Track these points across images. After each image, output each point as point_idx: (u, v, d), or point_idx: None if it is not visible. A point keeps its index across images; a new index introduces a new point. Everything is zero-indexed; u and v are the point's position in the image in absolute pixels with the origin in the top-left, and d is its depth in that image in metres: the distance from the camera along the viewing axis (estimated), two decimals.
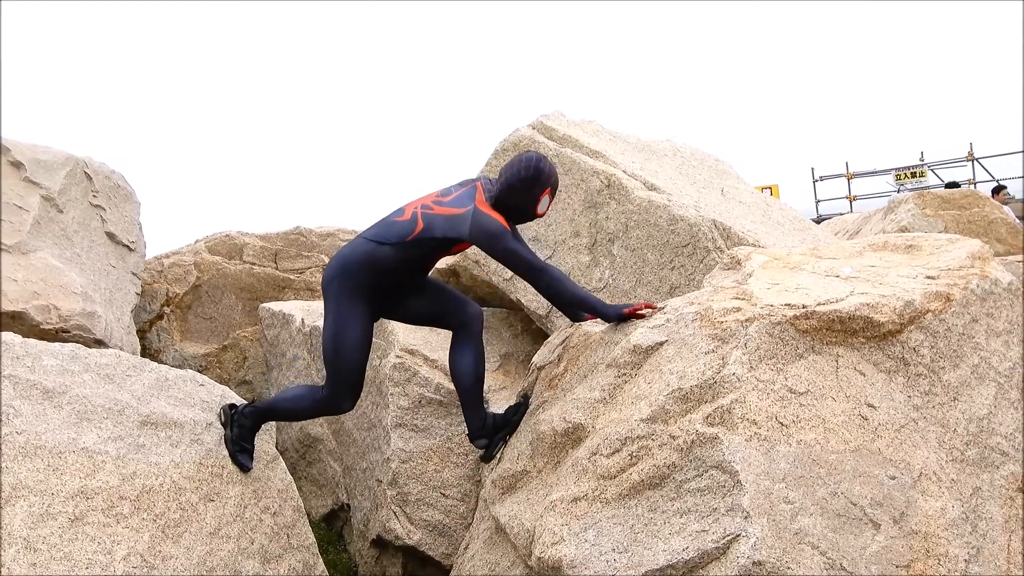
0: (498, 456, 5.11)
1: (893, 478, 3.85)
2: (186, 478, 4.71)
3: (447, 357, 6.65)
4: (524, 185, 4.87)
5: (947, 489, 3.96)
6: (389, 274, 4.92)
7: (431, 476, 6.67)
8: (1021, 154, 25.85)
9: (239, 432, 5.02)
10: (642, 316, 4.63)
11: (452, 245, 4.91)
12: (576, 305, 4.74)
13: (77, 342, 5.68)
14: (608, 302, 6.46)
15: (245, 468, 5.00)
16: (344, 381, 4.94)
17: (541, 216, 5.05)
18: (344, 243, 11.60)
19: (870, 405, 4.03)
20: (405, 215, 4.94)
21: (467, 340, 5.19)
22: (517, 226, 5.42)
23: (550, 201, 5.02)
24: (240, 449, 5.02)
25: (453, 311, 5.20)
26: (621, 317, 4.67)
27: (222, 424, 5.05)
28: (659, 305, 4.71)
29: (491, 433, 5.17)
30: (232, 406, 5.12)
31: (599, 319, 4.81)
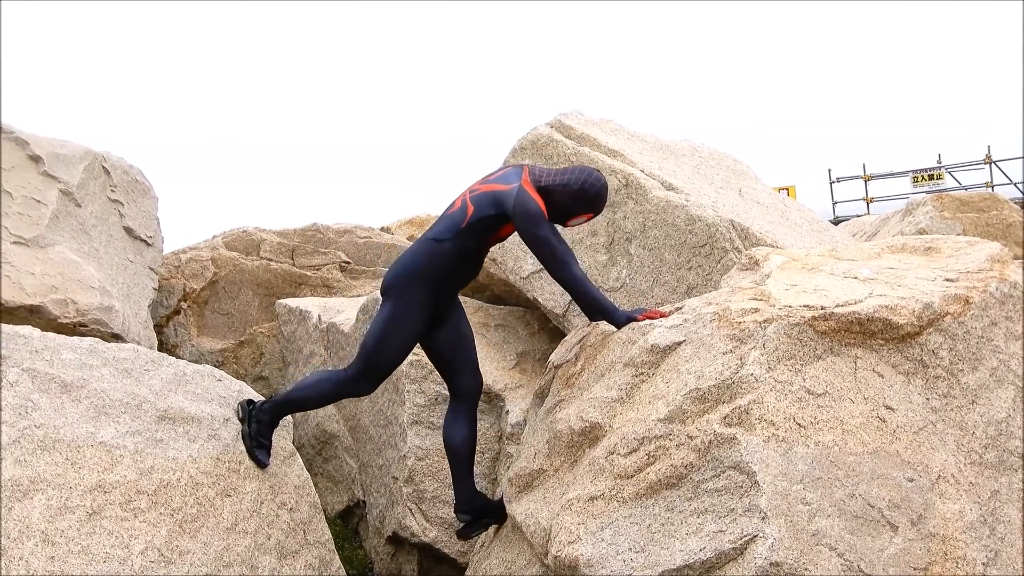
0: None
1: (911, 480, 3.85)
2: (203, 473, 4.72)
3: None
4: (582, 196, 4.94)
5: (965, 492, 3.95)
6: (449, 271, 4.93)
7: (447, 474, 6.67)
8: None
9: (257, 428, 5.03)
10: (658, 316, 4.68)
11: (501, 224, 4.90)
12: (589, 305, 4.75)
13: (94, 336, 5.70)
14: (626, 301, 6.45)
15: (262, 464, 5.01)
16: (375, 370, 4.97)
17: (566, 227, 5.11)
18: (361, 240, 11.63)
19: (888, 407, 4.02)
20: (455, 206, 4.99)
21: (465, 410, 5.19)
22: None
23: (584, 223, 5.14)
24: (257, 445, 5.03)
25: (466, 373, 5.22)
26: (629, 321, 4.72)
27: (240, 420, 5.07)
28: (667, 310, 4.72)
29: (477, 513, 5.16)
30: (250, 402, 5.14)
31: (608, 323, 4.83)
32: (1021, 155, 26.55)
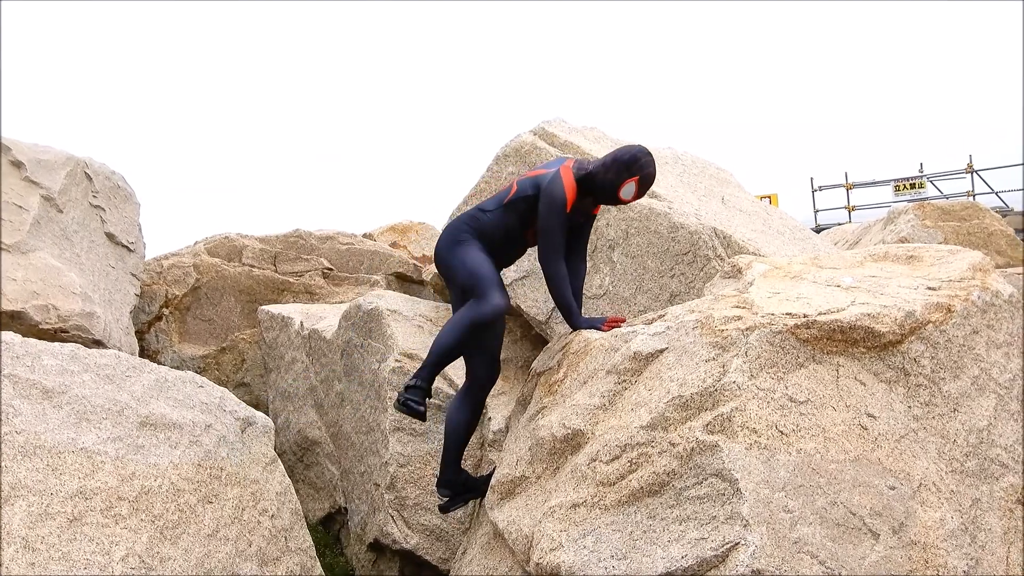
0: (461, 509, 5.48)
1: (893, 488, 3.86)
2: (185, 479, 4.71)
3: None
4: (617, 167, 5.04)
5: (946, 500, 3.96)
6: (491, 237, 5.11)
7: (429, 480, 6.67)
8: (1021, 167, 25.87)
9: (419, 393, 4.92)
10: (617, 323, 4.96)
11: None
12: (558, 305, 5.02)
13: (76, 342, 5.67)
14: (609, 309, 6.46)
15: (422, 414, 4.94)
16: (488, 283, 4.94)
17: (625, 203, 5.17)
18: (343, 246, 11.61)
19: (870, 415, 4.03)
20: (506, 186, 5.23)
21: (475, 397, 5.30)
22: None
23: (636, 190, 5.11)
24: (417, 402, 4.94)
25: (481, 361, 5.28)
26: (589, 327, 4.99)
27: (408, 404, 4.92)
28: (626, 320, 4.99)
29: (459, 490, 5.32)
30: (408, 388, 4.98)
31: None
32: (1003, 164, 26.69)
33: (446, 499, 5.34)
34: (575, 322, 5.02)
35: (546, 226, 4.90)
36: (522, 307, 7.19)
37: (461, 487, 5.31)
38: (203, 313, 11.27)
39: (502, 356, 7.37)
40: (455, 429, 5.24)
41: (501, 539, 4.58)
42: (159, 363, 9.92)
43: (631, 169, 5.03)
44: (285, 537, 5.12)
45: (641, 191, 5.12)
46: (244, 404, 5.39)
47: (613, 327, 4.89)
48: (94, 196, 9.39)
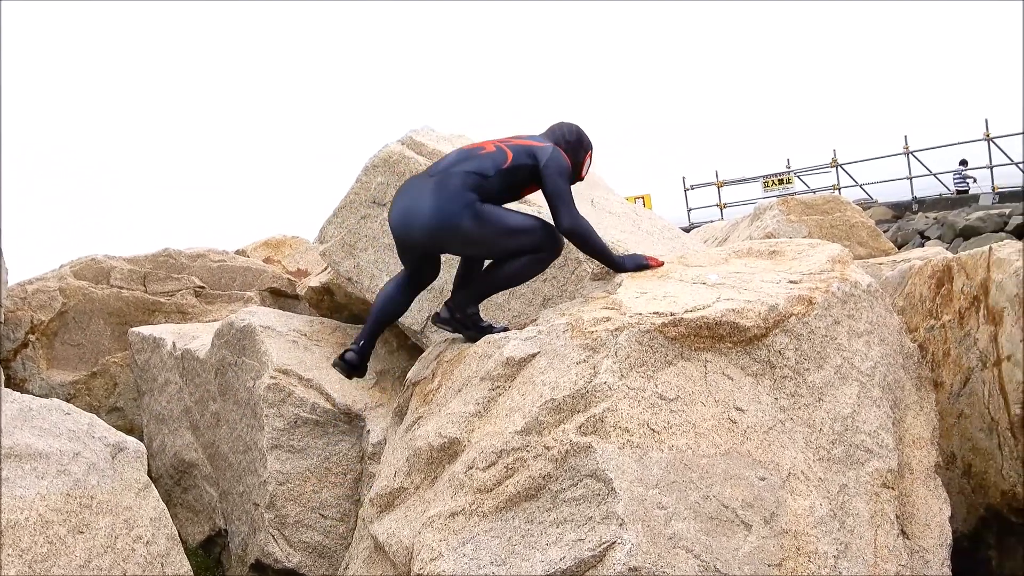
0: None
1: (763, 479, 3.94)
2: (53, 511, 4.57)
3: (321, 376, 6.58)
4: (571, 147, 5.17)
5: (815, 488, 4.05)
6: (496, 201, 4.94)
7: (309, 497, 6.60)
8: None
9: (474, 323, 5.07)
10: (659, 264, 5.10)
11: (530, 180, 5.00)
12: (597, 254, 5.01)
13: None
14: (482, 315, 6.47)
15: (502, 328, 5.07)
16: (539, 227, 4.92)
17: (582, 180, 5.36)
18: (215, 264, 11.41)
19: (738, 408, 4.11)
20: (487, 148, 5.02)
21: (412, 292, 5.24)
22: None
23: (590, 165, 5.35)
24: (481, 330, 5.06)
25: (435, 269, 5.26)
26: (638, 268, 5.10)
27: (457, 331, 5.11)
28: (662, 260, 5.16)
29: (356, 360, 5.09)
30: (445, 311, 5.13)
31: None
32: (865, 157, 27.54)
33: (347, 353, 5.10)
34: (620, 262, 5.10)
35: (558, 189, 4.85)
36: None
37: (359, 358, 5.10)
38: (71, 338, 10.99)
39: (379, 368, 7.35)
40: (384, 305, 5.16)
41: (382, 552, 4.55)
42: (27, 391, 9.65)
43: (583, 145, 5.26)
44: (161, 563, 5.01)
45: (590, 164, 5.38)
46: (114, 429, 5.25)
47: (657, 266, 5.11)
48: None
